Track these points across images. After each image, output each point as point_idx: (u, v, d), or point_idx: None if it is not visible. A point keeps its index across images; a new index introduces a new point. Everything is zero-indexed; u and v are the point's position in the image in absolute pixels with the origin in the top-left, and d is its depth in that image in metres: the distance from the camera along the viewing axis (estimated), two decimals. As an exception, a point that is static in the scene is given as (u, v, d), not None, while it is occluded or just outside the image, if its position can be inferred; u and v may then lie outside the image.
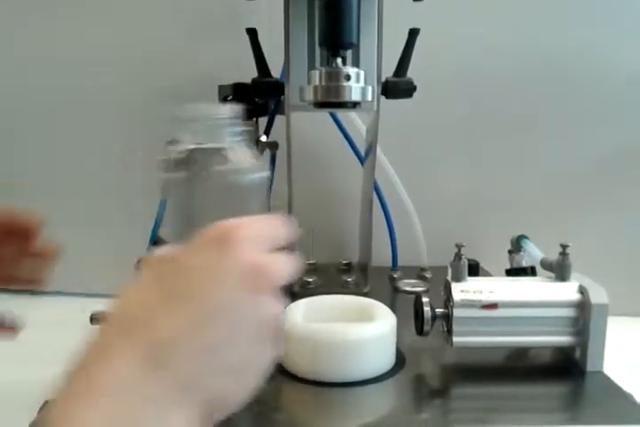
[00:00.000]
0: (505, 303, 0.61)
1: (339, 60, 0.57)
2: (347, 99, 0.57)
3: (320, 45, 0.61)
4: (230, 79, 0.86)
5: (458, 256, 0.63)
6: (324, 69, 0.58)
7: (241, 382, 0.30)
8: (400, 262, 0.98)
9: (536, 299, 0.61)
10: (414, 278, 0.94)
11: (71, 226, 1.04)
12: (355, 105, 0.59)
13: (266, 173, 0.40)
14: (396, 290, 0.89)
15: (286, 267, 0.33)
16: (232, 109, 0.42)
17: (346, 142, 0.94)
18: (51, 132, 1.04)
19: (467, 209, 1.03)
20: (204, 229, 0.32)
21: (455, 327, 0.61)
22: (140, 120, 0.99)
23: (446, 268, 0.64)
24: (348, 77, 0.55)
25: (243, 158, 0.40)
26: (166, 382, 0.27)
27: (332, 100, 0.58)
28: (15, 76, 1.02)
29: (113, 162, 1.02)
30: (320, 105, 0.59)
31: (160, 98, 0.98)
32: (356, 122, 0.92)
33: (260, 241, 0.32)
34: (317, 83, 0.58)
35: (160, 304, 0.29)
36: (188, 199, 0.39)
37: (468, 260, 0.63)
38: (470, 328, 0.61)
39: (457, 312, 0.61)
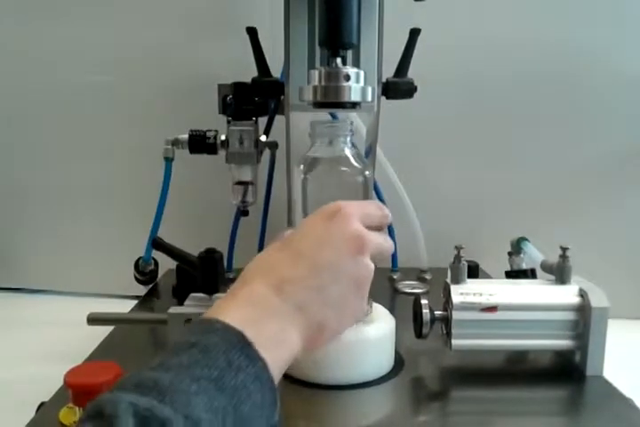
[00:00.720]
0: (505, 306, 0.60)
1: (338, 60, 0.57)
2: (346, 99, 0.57)
3: (320, 45, 0.60)
4: (230, 78, 0.85)
5: (457, 258, 0.62)
6: (323, 69, 0.57)
7: (338, 317, 0.41)
8: (400, 264, 0.98)
9: (536, 302, 0.61)
10: (414, 280, 0.94)
11: (69, 226, 1.05)
12: (354, 105, 0.58)
13: (371, 171, 0.54)
14: (396, 291, 0.89)
15: (380, 240, 0.44)
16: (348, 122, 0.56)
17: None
18: (48, 133, 1.03)
19: (467, 210, 1.02)
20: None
21: (454, 330, 0.61)
22: (140, 120, 0.98)
23: (446, 269, 0.63)
24: (347, 77, 0.55)
25: (356, 160, 0.55)
26: (287, 303, 0.39)
27: (331, 101, 0.57)
28: (11, 76, 1.02)
29: (113, 163, 1.01)
30: (319, 105, 0.59)
31: (159, 97, 0.98)
32: (357, 122, 0.91)
33: (363, 217, 0.43)
34: (317, 83, 0.57)
35: (286, 258, 0.41)
36: (319, 192, 0.53)
37: (468, 261, 0.62)
38: (470, 331, 0.61)
39: (456, 315, 0.61)
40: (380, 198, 0.94)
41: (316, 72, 0.58)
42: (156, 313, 0.60)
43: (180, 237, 0.76)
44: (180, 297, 0.70)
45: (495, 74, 0.97)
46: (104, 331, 0.71)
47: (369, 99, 0.58)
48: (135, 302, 0.87)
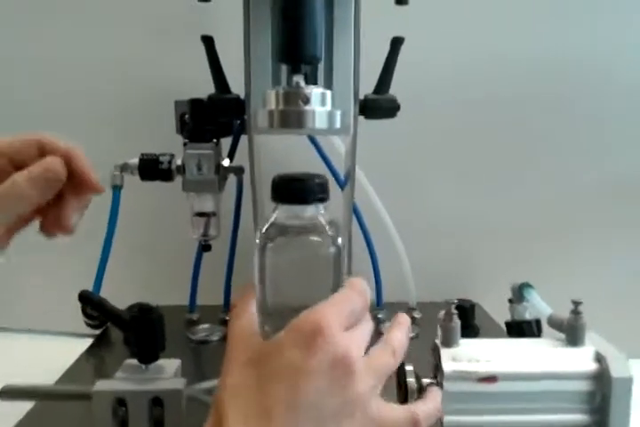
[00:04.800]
0: (506, 375, 0.50)
1: (299, 78, 0.46)
2: (309, 126, 0.46)
3: (278, 60, 0.49)
4: (192, 94, 0.75)
5: (449, 316, 0.52)
6: (281, 89, 0.46)
7: None
8: (386, 298, 0.88)
9: (544, 369, 0.51)
10: None
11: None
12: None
13: (344, 239, 0.41)
14: (381, 334, 0.78)
15: (382, 359, 0.39)
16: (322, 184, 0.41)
17: (324, 165, 0.83)
18: None
19: (459, 237, 0.94)
20: (293, 320, 0.36)
21: (446, 405, 0.50)
22: (83, 143, 0.87)
23: (437, 305, 0.54)
24: (306, 100, 0.44)
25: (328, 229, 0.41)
26: None
27: (290, 128, 0.46)
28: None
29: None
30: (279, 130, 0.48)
31: (106, 115, 0.87)
32: (335, 141, 0.81)
33: (348, 321, 0.37)
34: (273, 106, 0.46)
35: (259, 396, 0.34)
36: (281, 265, 0.40)
37: (463, 300, 0.53)
38: (465, 406, 0.51)
39: (448, 386, 0.50)
40: (362, 227, 0.84)
41: (272, 93, 0.47)
42: (81, 386, 0.49)
43: (135, 276, 0.66)
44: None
45: (487, 87, 0.88)
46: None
47: (337, 125, 0.47)
48: (90, 340, 0.81)
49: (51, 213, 0.42)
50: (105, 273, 0.77)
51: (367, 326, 0.39)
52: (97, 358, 0.78)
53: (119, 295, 0.80)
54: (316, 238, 0.39)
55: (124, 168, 0.74)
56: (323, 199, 0.40)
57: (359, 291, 0.39)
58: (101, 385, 0.49)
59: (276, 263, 0.39)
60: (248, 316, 0.39)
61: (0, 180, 0.38)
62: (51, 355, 0.82)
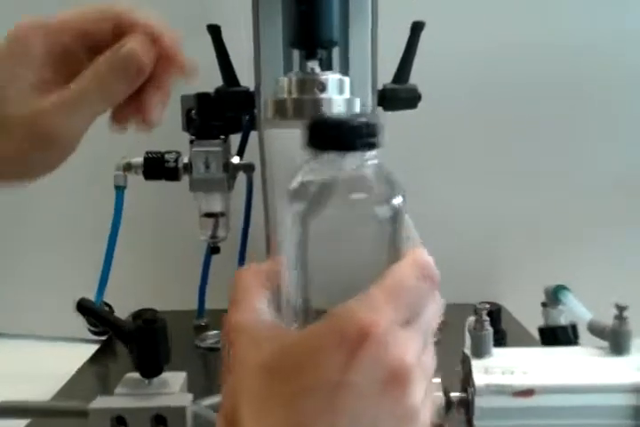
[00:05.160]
0: (544, 389, 0.46)
1: (314, 64, 0.42)
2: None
3: (291, 46, 0.45)
4: (201, 88, 0.71)
5: (479, 323, 0.47)
6: (294, 76, 0.42)
7: None
8: (404, 301, 0.83)
9: (585, 382, 0.47)
10: None
11: (14, 263, 0.92)
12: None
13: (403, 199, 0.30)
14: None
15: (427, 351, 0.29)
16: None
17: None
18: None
19: (482, 235, 0.90)
20: (331, 315, 0.26)
21: (479, 421, 0.46)
22: (84, 140, 0.83)
23: (460, 307, 0.50)
24: (322, 87, 0.40)
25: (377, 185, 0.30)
26: None
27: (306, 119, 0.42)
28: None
29: (58, 193, 0.87)
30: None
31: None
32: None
33: (404, 317, 0.27)
34: (286, 95, 0.42)
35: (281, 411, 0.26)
36: (329, 244, 0.29)
37: (488, 303, 0.48)
38: (499, 422, 0.47)
39: (480, 401, 0.46)
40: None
41: (285, 80, 0.43)
42: (78, 403, 0.45)
43: (141, 280, 0.62)
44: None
45: (512, 77, 0.84)
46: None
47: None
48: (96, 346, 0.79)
49: (130, 102, 0.35)
50: (109, 277, 0.74)
51: (431, 312, 0.29)
52: (101, 367, 0.75)
53: (124, 300, 0.77)
54: (360, 196, 0.29)
55: (128, 167, 0.70)
56: (372, 145, 0.29)
57: (422, 269, 0.29)
58: (99, 402, 0.45)
59: (319, 237, 0.29)
60: (253, 309, 0.29)
61: (68, 63, 0.32)
62: (56, 361, 0.81)
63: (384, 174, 0.30)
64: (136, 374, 0.48)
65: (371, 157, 0.29)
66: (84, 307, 0.49)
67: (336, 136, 0.28)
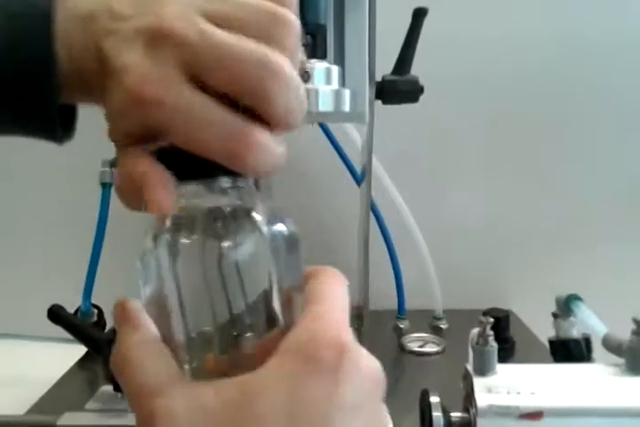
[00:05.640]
0: (553, 410, 0.43)
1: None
2: (312, 109, 0.38)
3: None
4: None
5: (483, 338, 0.43)
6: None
7: None
8: (409, 305, 0.80)
9: (598, 404, 0.43)
10: (426, 331, 0.76)
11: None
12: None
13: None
14: (403, 350, 0.71)
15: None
16: None
17: (338, 158, 0.75)
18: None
19: (490, 238, 0.86)
20: (289, 344, 0.24)
21: (480, 446, 0.42)
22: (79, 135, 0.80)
23: (467, 313, 0.46)
24: (306, 77, 0.36)
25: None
26: None
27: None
28: None
29: (43, 189, 0.84)
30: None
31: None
32: (350, 132, 0.73)
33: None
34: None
35: None
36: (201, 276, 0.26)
37: (495, 310, 0.44)
38: None
39: (483, 423, 0.42)
40: (382, 227, 0.76)
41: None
42: (47, 416, 0.42)
43: (130, 281, 0.58)
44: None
45: (521, 71, 0.80)
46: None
47: (346, 108, 0.39)
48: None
49: None
50: (99, 279, 0.70)
51: None
52: (89, 371, 0.71)
53: (113, 302, 0.74)
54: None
55: (114, 164, 0.66)
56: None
57: (338, 277, 0.28)
58: (68, 418, 0.41)
59: (196, 266, 0.26)
60: (151, 350, 0.24)
61: None
62: (44, 363, 0.79)
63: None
64: (109, 388, 0.45)
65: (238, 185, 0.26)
66: (54, 315, 0.45)
67: (190, 164, 0.24)
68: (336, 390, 0.23)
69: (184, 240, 0.25)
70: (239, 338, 0.25)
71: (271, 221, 0.26)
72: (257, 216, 0.26)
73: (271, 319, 0.26)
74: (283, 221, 0.26)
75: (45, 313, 0.87)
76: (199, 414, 0.22)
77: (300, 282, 0.27)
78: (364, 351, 0.25)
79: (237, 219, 0.26)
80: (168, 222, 0.26)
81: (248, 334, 0.26)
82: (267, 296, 0.26)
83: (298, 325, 0.24)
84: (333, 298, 0.26)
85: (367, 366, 0.25)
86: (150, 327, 0.25)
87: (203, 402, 0.22)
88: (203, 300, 0.26)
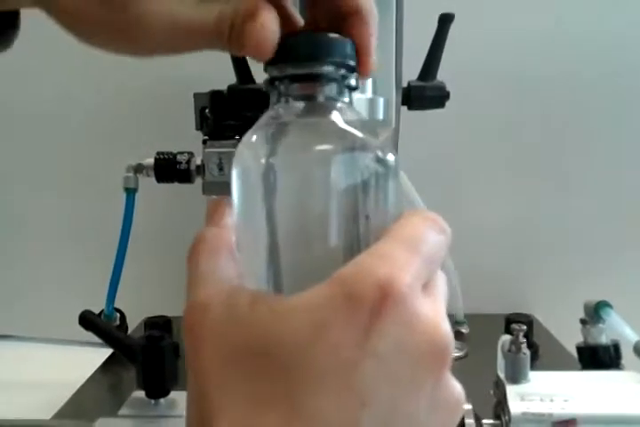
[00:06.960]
0: (588, 418, 0.43)
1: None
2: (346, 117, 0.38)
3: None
4: (215, 85, 0.68)
5: (516, 345, 0.43)
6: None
7: None
8: (429, 310, 0.79)
9: (632, 412, 0.42)
10: None
11: (25, 266, 0.90)
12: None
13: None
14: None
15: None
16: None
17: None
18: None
19: (513, 242, 0.85)
20: (336, 277, 0.21)
21: (514, 453, 0.41)
22: (93, 141, 0.80)
23: (488, 318, 0.45)
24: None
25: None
26: None
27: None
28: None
29: (66, 196, 0.85)
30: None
31: (119, 110, 0.80)
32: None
33: (426, 274, 0.22)
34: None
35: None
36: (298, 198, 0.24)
37: (518, 314, 0.44)
38: None
39: (516, 431, 0.41)
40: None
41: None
42: (79, 423, 0.42)
43: (153, 285, 0.59)
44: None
45: (546, 76, 0.79)
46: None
47: (380, 116, 0.39)
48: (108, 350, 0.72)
49: None
50: (121, 282, 0.71)
51: (443, 281, 0.24)
52: (113, 375, 0.72)
53: (136, 305, 0.74)
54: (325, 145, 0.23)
55: (139, 169, 0.67)
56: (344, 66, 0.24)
57: (435, 223, 0.23)
58: (102, 424, 0.42)
59: (287, 195, 0.24)
60: (220, 278, 0.23)
61: None
62: (69, 366, 0.78)
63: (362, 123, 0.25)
64: (141, 394, 0.45)
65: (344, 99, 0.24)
66: (86, 321, 0.46)
67: (296, 48, 0.23)
68: (365, 341, 0.20)
69: (298, 155, 0.23)
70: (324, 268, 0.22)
71: (382, 149, 0.24)
72: (374, 142, 0.24)
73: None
74: (391, 151, 0.24)
75: (61, 316, 0.88)
76: (227, 317, 0.21)
77: (393, 218, 0.24)
78: (429, 306, 0.21)
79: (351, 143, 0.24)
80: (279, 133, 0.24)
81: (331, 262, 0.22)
82: (362, 228, 0.23)
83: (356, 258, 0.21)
84: (408, 238, 0.22)
85: (423, 322, 0.20)
86: (229, 232, 0.24)
87: (237, 307, 0.21)
88: (300, 221, 0.23)
